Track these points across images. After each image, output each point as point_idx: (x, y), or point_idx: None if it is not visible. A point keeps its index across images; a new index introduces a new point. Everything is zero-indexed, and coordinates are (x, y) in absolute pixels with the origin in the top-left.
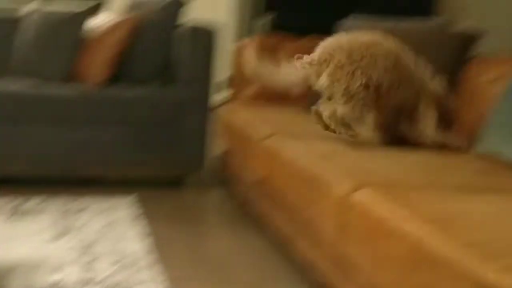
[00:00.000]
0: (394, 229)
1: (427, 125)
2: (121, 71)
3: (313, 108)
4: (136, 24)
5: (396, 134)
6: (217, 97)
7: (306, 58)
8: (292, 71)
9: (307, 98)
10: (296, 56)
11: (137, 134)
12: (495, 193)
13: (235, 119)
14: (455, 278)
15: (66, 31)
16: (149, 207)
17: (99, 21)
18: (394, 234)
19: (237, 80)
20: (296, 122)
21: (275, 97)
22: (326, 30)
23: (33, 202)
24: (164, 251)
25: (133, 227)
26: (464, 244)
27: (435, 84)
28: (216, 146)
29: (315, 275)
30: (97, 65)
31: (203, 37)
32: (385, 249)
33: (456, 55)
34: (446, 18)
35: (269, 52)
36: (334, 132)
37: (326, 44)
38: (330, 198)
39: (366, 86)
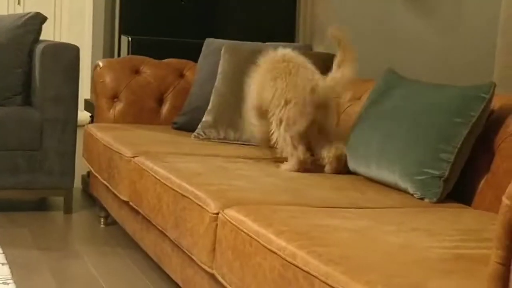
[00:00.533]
0: (262, 247)
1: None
2: None
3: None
4: None
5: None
6: (83, 116)
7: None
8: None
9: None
10: None
11: None
12: (352, 209)
13: (101, 138)
14: None
15: None
16: (10, 232)
17: None
18: (263, 251)
19: (99, 100)
20: (163, 141)
21: (141, 116)
22: (184, 53)
23: None
24: (25, 278)
25: None
26: (329, 260)
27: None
28: (84, 166)
29: None
30: None
31: (67, 55)
32: (255, 266)
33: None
34: (305, 43)
35: (130, 72)
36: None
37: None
38: (199, 217)
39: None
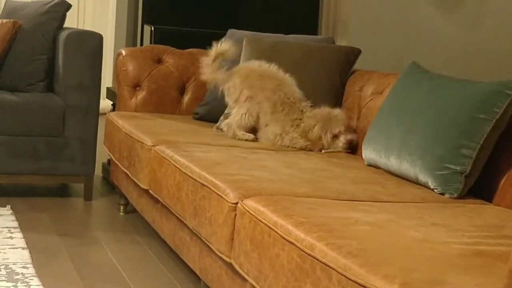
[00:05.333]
0: (280, 238)
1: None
2: (0, 78)
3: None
4: (15, 29)
5: None
6: (104, 104)
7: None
8: None
9: (193, 107)
10: None
11: (18, 142)
12: (371, 202)
13: (123, 126)
14: (341, 287)
15: None
16: (30, 217)
17: None
18: (281, 242)
19: (121, 88)
20: (184, 131)
21: (162, 105)
22: (206, 44)
23: None
24: (44, 263)
25: (11, 239)
26: (348, 252)
27: None
28: (104, 154)
29: (208, 283)
30: None
31: (90, 42)
32: (273, 257)
33: (342, 67)
34: (327, 35)
35: (152, 61)
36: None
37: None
38: (218, 207)
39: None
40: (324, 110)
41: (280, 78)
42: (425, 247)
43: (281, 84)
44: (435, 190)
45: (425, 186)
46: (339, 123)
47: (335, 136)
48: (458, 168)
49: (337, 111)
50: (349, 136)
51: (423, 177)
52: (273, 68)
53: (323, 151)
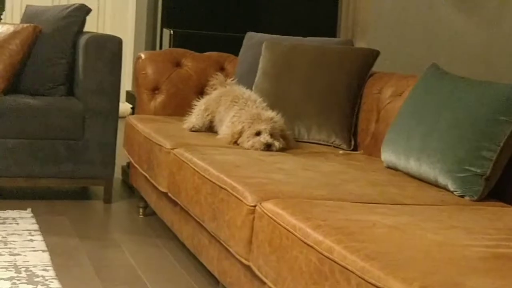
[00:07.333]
0: (299, 240)
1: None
2: (21, 81)
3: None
4: (36, 33)
5: None
6: (124, 107)
7: None
8: None
9: None
10: None
11: (38, 146)
12: (390, 205)
13: (142, 130)
14: None
15: None
16: (50, 220)
17: None
18: (300, 245)
19: (141, 92)
20: (202, 133)
21: (181, 108)
22: (225, 47)
23: None
24: (64, 265)
25: (31, 241)
26: (366, 255)
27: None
28: (124, 157)
29: (227, 286)
30: None
31: (110, 46)
32: (291, 260)
33: (360, 69)
34: (346, 38)
35: (171, 65)
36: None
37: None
38: (237, 210)
39: None
40: (255, 110)
41: (242, 97)
42: (445, 250)
43: (236, 98)
44: (454, 193)
45: (445, 188)
46: (265, 123)
47: (258, 134)
48: (478, 171)
49: (270, 113)
50: (270, 139)
51: (442, 180)
52: (246, 93)
53: (341, 151)
